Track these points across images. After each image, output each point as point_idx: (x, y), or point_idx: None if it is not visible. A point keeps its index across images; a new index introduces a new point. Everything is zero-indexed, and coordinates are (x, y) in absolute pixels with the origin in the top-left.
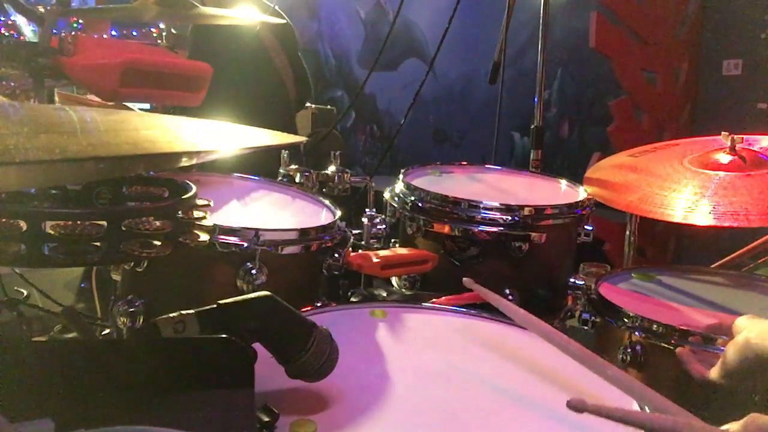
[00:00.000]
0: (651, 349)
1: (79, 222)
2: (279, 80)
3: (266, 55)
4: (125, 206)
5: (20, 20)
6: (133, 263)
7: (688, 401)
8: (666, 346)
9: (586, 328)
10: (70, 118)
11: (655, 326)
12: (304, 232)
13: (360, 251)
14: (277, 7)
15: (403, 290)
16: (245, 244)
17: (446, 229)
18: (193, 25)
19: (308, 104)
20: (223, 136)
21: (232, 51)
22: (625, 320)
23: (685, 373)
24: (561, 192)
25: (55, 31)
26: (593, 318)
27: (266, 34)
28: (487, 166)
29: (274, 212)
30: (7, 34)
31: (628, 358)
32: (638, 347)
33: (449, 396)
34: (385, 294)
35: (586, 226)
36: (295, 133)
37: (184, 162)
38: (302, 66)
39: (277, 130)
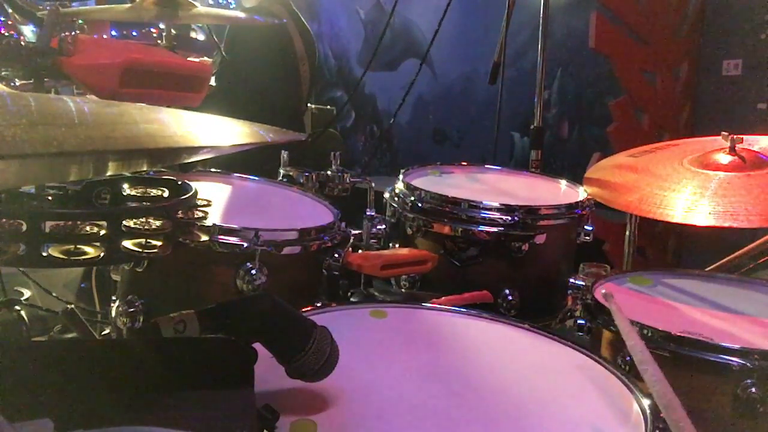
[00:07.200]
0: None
1: (79, 222)
2: (298, 85)
3: (295, 61)
4: (125, 206)
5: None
6: (133, 263)
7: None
8: (663, 354)
9: (581, 334)
10: (68, 109)
11: (650, 333)
12: (304, 232)
13: (360, 251)
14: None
15: (403, 290)
16: (245, 244)
17: (446, 229)
18: (231, 25)
19: (308, 104)
20: (224, 132)
21: (265, 53)
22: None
23: (683, 380)
24: (561, 192)
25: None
26: (588, 324)
27: (297, 43)
28: (487, 166)
29: (274, 212)
30: (7, 34)
31: (627, 367)
32: None
33: (449, 397)
34: (384, 294)
35: (586, 226)
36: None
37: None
38: (316, 75)
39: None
